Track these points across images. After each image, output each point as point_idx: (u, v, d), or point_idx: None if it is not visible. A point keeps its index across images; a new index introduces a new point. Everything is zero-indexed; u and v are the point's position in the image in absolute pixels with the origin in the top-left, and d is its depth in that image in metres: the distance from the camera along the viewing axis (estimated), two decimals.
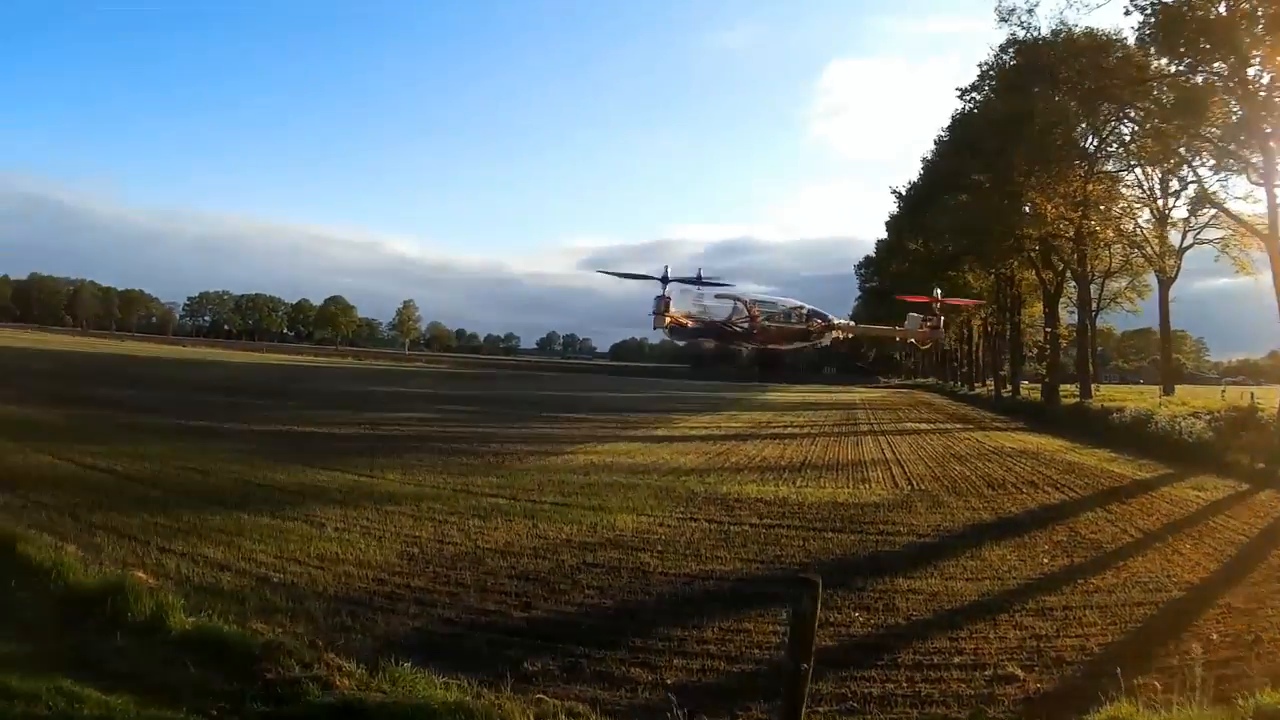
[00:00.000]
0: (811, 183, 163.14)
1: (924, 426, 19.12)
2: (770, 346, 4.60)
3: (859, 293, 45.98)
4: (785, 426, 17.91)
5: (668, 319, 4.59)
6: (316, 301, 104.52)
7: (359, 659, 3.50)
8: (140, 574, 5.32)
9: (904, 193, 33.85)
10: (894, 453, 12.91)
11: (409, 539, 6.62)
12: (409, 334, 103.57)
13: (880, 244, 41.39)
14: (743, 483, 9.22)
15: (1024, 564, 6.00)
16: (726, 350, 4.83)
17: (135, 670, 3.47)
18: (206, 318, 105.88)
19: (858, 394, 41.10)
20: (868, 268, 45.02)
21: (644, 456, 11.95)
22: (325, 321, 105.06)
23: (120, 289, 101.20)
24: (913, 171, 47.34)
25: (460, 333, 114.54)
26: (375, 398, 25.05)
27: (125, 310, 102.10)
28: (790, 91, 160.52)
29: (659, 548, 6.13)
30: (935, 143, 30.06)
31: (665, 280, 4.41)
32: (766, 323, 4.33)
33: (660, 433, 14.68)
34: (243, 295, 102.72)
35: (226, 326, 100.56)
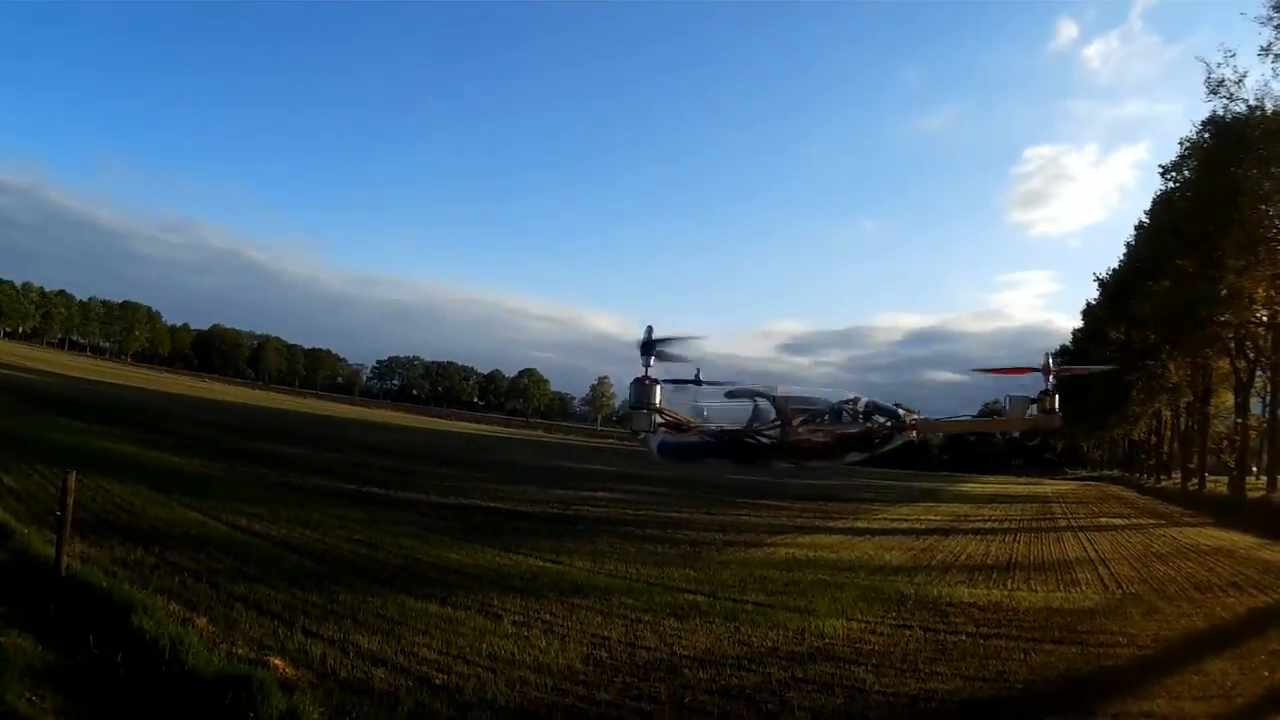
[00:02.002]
0: (1008, 270, 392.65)
1: (1118, 522, 45.06)
2: (813, 462, 7.76)
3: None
4: (985, 520, 41.50)
5: (659, 420, 7.62)
6: (510, 373, 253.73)
7: None
8: (278, 661, 9.60)
9: (1104, 280, 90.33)
10: (1096, 551, 29.68)
11: (596, 640, 12.31)
12: (602, 409, 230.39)
13: (1077, 332, 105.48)
14: (952, 583, 20.25)
15: (1246, 678, 13.42)
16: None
17: None
18: (395, 381, 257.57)
19: (1048, 486, 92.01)
20: (1064, 356, 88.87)
21: (847, 552, 24.96)
22: (517, 393, 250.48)
23: (307, 347, 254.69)
24: (1112, 258, 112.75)
25: None
26: (565, 473, 51.22)
27: (311, 368, 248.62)
28: (986, 178, 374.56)
29: (873, 661, 12.51)
30: (1136, 228, 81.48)
31: (650, 349, 7.22)
32: (808, 429, 7.05)
33: (860, 524, 30.14)
34: (434, 361, 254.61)
35: (415, 391, 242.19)
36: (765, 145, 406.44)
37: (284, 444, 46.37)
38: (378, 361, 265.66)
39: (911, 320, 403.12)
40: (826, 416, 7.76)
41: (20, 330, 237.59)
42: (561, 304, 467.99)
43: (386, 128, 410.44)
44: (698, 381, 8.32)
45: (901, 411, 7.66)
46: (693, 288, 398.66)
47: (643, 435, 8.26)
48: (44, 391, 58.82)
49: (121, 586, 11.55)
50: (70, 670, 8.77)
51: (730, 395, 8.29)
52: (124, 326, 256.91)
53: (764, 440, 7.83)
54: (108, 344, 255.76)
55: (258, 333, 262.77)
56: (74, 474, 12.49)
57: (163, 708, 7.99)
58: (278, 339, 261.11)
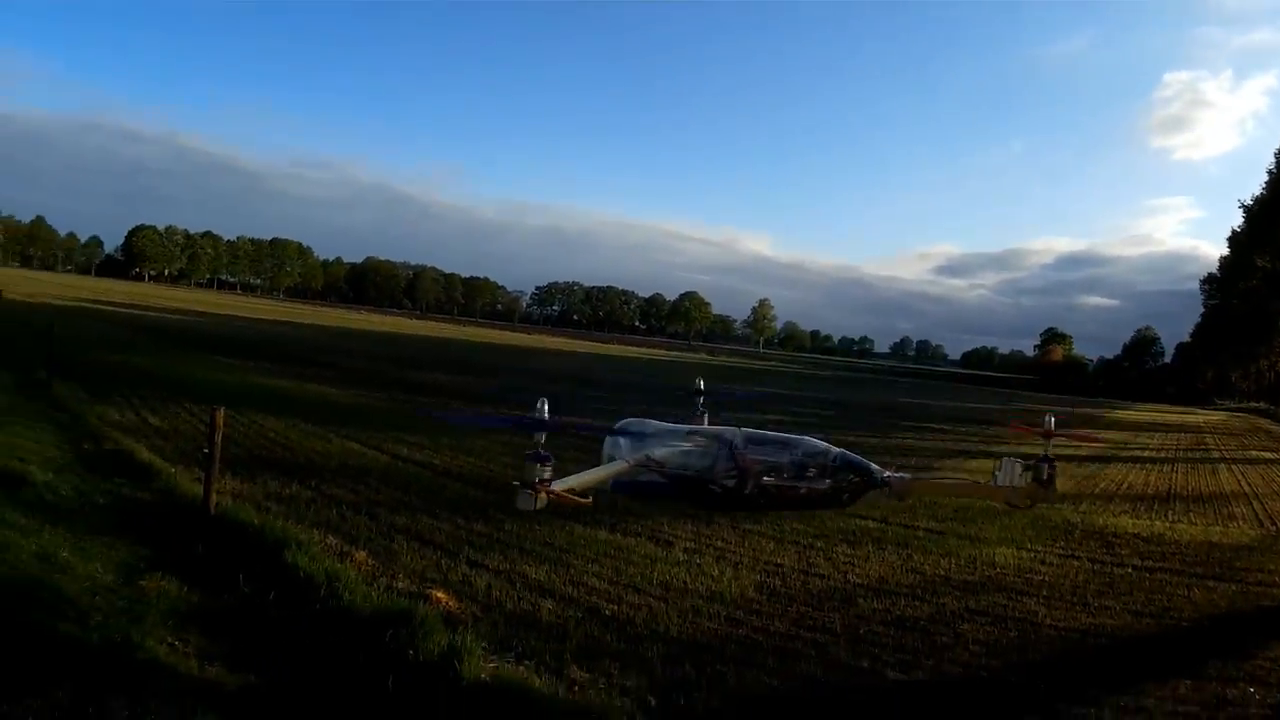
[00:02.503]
0: (1153, 195, 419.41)
1: (1268, 455, 46.76)
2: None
3: (1202, 309, 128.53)
4: (1142, 449, 44.29)
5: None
6: (670, 296, 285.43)
7: None
8: (440, 594, 9.84)
9: (1249, 206, 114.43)
10: (1249, 485, 30.91)
11: (769, 567, 12.83)
12: (764, 332, 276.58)
13: (1223, 260, 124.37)
14: (1116, 513, 21.47)
15: None
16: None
17: None
18: (555, 307, 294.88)
19: (1199, 416, 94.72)
20: (1212, 284, 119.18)
21: None
22: (678, 316, 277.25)
23: (464, 275, 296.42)
24: (1253, 185, 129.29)
25: (815, 333, 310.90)
26: (723, 396, 47.94)
27: (469, 296, 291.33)
28: (1128, 102, 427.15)
29: (1044, 592, 13.24)
30: (1277, 154, 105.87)
31: (532, 427, 7.17)
32: (769, 479, 7.29)
33: (1024, 449, 23.39)
34: (593, 286, 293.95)
35: (576, 316, 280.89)
36: (911, 75, 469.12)
37: (444, 372, 50.10)
38: (537, 288, 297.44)
39: (1062, 244, 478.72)
40: (789, 469, 7.82)
41: (166, 273, 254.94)
42: (718, 227, 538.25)
43: (532, 56, 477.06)
44: (700, 393, 9.98)
45: (874, 469, 7.63)
46: (848, 212, 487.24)
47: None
48: (192, 331, 62.42)
49: (274, 523, 11.77)
50: (217, 612, 8.80)
51: (693, 434, 8.70)
52: (274, 263, 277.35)
53: (724, 486, 8.01)
54: (259, 281, 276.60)
55: (412, 263, 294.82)
56: (222, 410, 12.60)
57: (316, 647, 8.04)
58: (434, 268, 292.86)
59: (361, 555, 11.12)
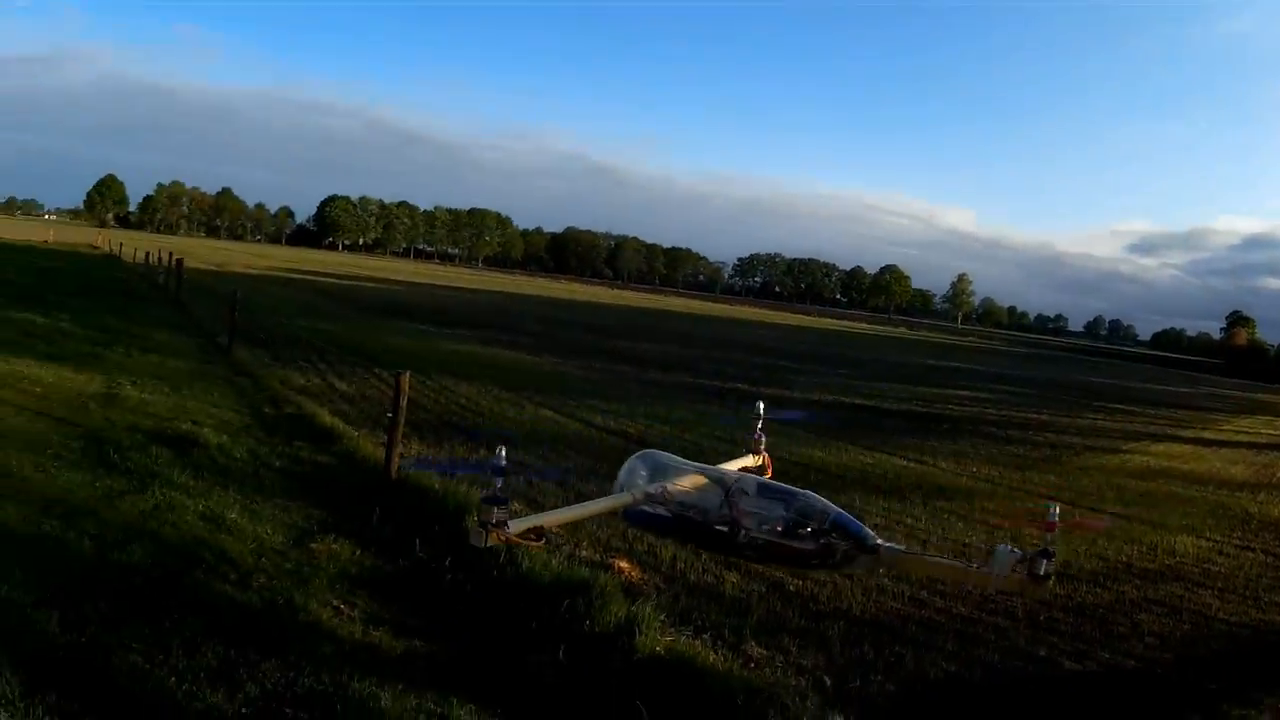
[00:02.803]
0: None
1: None
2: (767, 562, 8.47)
3: None
4: None
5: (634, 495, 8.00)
6: (871, 269, 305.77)
7: (871, 717, 7.25)
8: (623, 563, 10.02)
9: None
10: None
11: (957, 547, 12.68)
12: (962, 307, 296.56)
13: None
14: None
15: None
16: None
17: (568, 700, 6.87)
18: (757, 278, 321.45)
19: None
20: None
21: (1197, 463, 26.78)
22: (879, 290, 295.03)
23: (665, 246, 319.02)
24: None
25: (1011, 310, 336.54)
26: (927, 371, 57.26)
27: (670, 267, 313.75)
28: None
29: (1218, 584, 13.03)
30: None
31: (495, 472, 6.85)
32: (759, 532, 7.29)
33: (1208, 435, 33.80)
34: (795, 258, 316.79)
35: (777, 289, 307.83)
36: (1102, 53, 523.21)
37: (644, 341, 52.04)
38: (739, 259, 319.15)
39: (1248, 225, 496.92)
40: (780, 524, 7.54)
41: (361, 242, 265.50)
42: (918, 200, 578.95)
43: (730, 28, 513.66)
44: (760, 418, 10.00)
45: (867, 536, 7.29)
46: (1045, 186, 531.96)
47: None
48: (385, 298, 64.58)
49: (458, 488, 11.81)
50: (389, 577, 8.83)
51: (703, 474, 8.54)
52: (473, 233, 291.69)
53: (718, 531, 7.75)
54: (457, 251, 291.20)
55: (614, 233, 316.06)
56: (408, 374, 12.78)
57: (489, 615, 8.06)
58: (635, 238, 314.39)
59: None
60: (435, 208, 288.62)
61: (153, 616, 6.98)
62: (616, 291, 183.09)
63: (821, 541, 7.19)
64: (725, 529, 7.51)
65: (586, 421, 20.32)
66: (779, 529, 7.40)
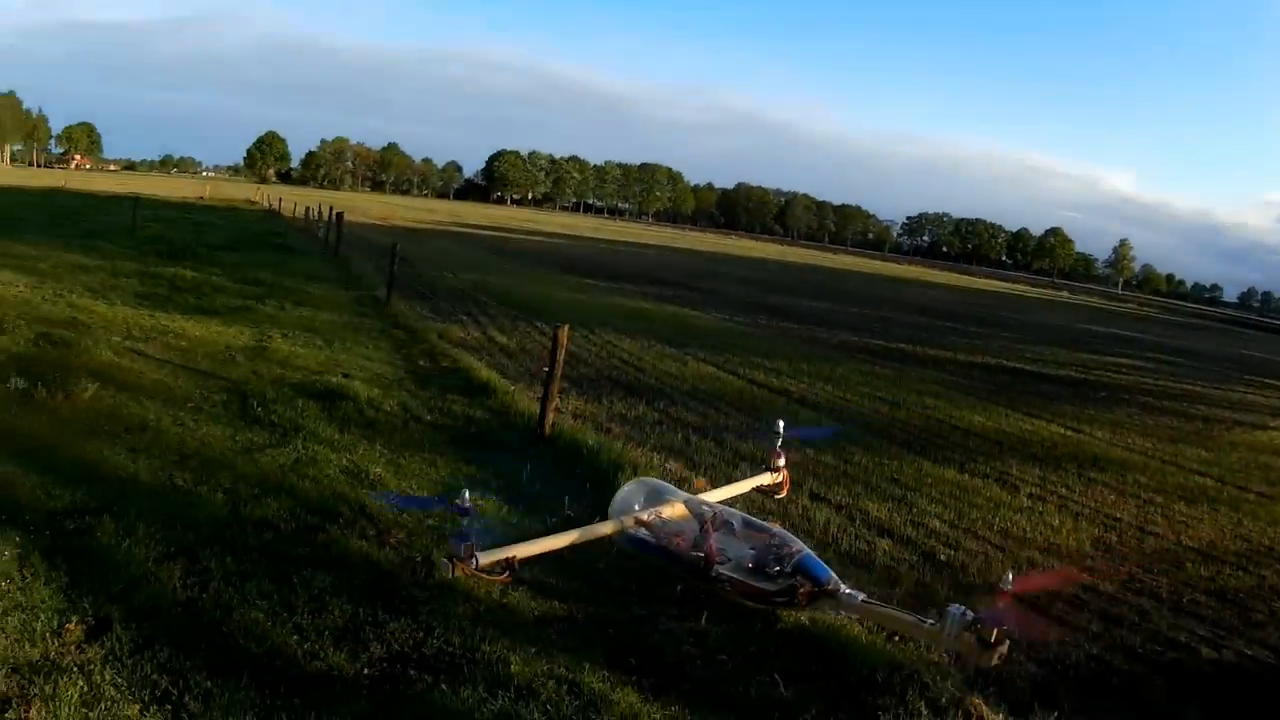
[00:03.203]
0: None
1: None
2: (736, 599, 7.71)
3: None
4: None
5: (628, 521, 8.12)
6: (1036, 232, 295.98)
7: (1011, 698, 7.19)
8: (776, 526, 9.48)
9: None
10: None
11: (1108, 521, 12.88)
12: (1123, 273, 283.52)
13: None
14: None
15: None
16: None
17: (705, 671, 6.81)
18: (925, 238, 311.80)
19: None
20: None
21: None
22: (1043, 253, 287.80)
23: (835, 204, 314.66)
24: None
25: (1169, 277, 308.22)
26: (1087, 336, 56.69)
27: (840, 224, 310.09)
28: None
29: None
30: None
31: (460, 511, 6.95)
32: (725, 568, 7.34)
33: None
34: (962, 219, 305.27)
35: (944, 249, 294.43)
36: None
37: (810, 299, 52.02)
38: (907, 217, 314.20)
39: None
40: (748, 563, 7.58)
41: (530, 197, 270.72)
42: (1081, 163, 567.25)
43: None
44: (779, 434, 9.60)
45: (828, 580, 7.16)
46: (1205, 154, 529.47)
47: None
48: (552, 252, 65.18)
49: (612, 444, 11.87)
50: (537, 535, 8.59)
51: (689, 504, 8.50)
52: (643, 188, 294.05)
53: (691, 560, 7.69)
54: (627, 206, 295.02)
55: (785, 190, 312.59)
56: (565, 328, 12.72)
57: (633, 578, 8.04)
58: (806, 195, 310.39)
59: (701, 482, 10.94)
60: (605, 162, 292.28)
61: (280, 573, 6.95)
62: (785, 248, 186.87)
63: (785, 582, 7.21)
64: (700, 561, 7.52)
65: (749, 379, 20.38)
66: (748, 565, 7.45)
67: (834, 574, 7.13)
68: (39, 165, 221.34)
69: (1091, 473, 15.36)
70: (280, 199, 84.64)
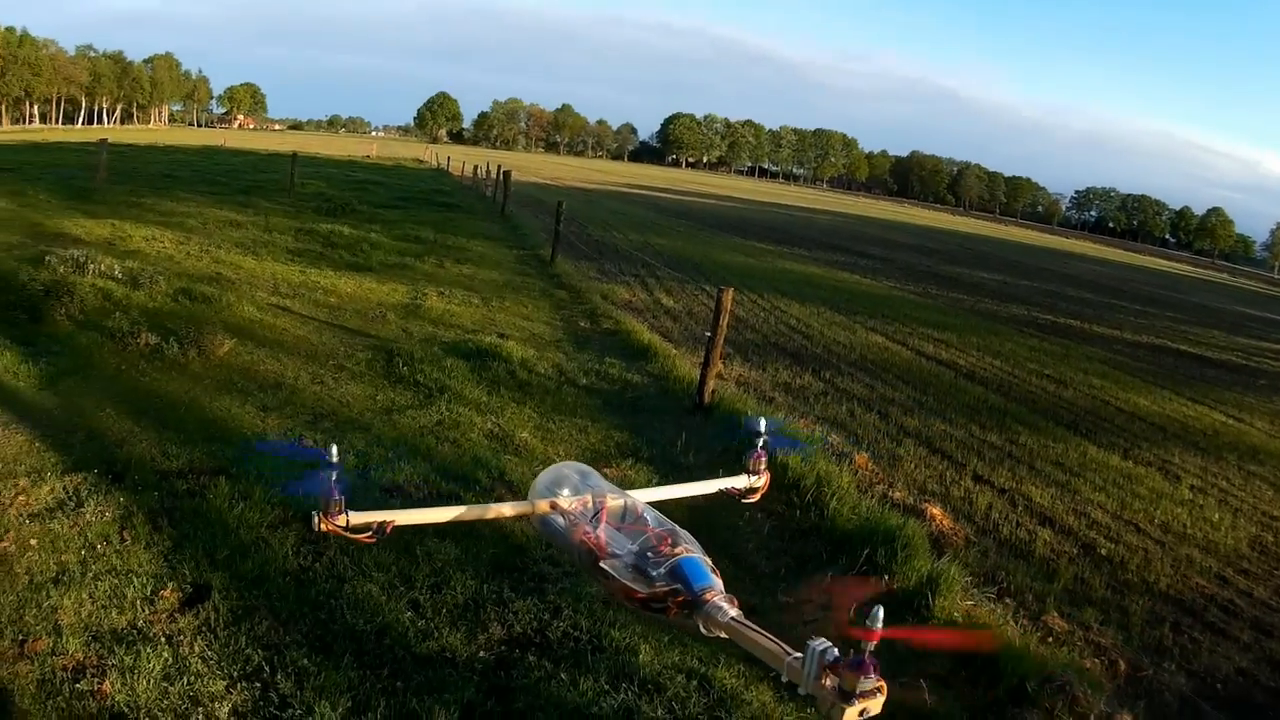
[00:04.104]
0: None
1: None
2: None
3: None
4: None
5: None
6: (1198, 211, 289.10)
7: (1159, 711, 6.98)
8: (935, 510, 9.73)
9: None
10: None
11: (1265, 520, 12.37)
12: (1279, 258, 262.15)
13: None
14: None
15: None
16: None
17: None
18: (1092, 212, 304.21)
19: None
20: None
21: None
22: (1204, 233, 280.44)
23: (1007, 175, 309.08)
24: None
25: None
26: (1247, 320, 54.22)
27: (1011, 196, 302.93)
28: None
29: None
30: None
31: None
32: (607, 563, 6.11)
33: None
34: (1129, 195, 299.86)
35: (1111, 224, 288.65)
36: None
37: (981, 270, 51.50)
38: (1076, 191, 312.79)
39: None
40: (630, 560, 6.17)
41: (704, 160, 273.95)
42: (1243, 143, 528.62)
43: None
44: (760, 434, 7.84)
45: (699, 589, 5.60)
46: None
47: None
48: (725, 215, 65.07)
49: (774, 415, 11.56)
50: (686, 510, 8.17)
51: (594, 494, 7.03)
52: (818, 154, 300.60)
53: (585, 553, 6.47)
54: (801, 171, 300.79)
55: (957, 159, 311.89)
56: (730, 291, 12.35)
57: (782, 561, 7.91)
58: (978, 166, 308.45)
59: (863, 458, 10.98)
60: (781, 127, 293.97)
61: (404, 543, 6.67)
62: (957, 218, 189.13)
63: (662, 587, 6.36)
64: (590, 554, 6.76)
65: (917, 350, 20.13)
66: (629, 563, 6.62)
67: (716, 582, 6.48)
68: (199, 125, 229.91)
69: (1251, 465, 14.96)
70: (449, 158, 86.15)
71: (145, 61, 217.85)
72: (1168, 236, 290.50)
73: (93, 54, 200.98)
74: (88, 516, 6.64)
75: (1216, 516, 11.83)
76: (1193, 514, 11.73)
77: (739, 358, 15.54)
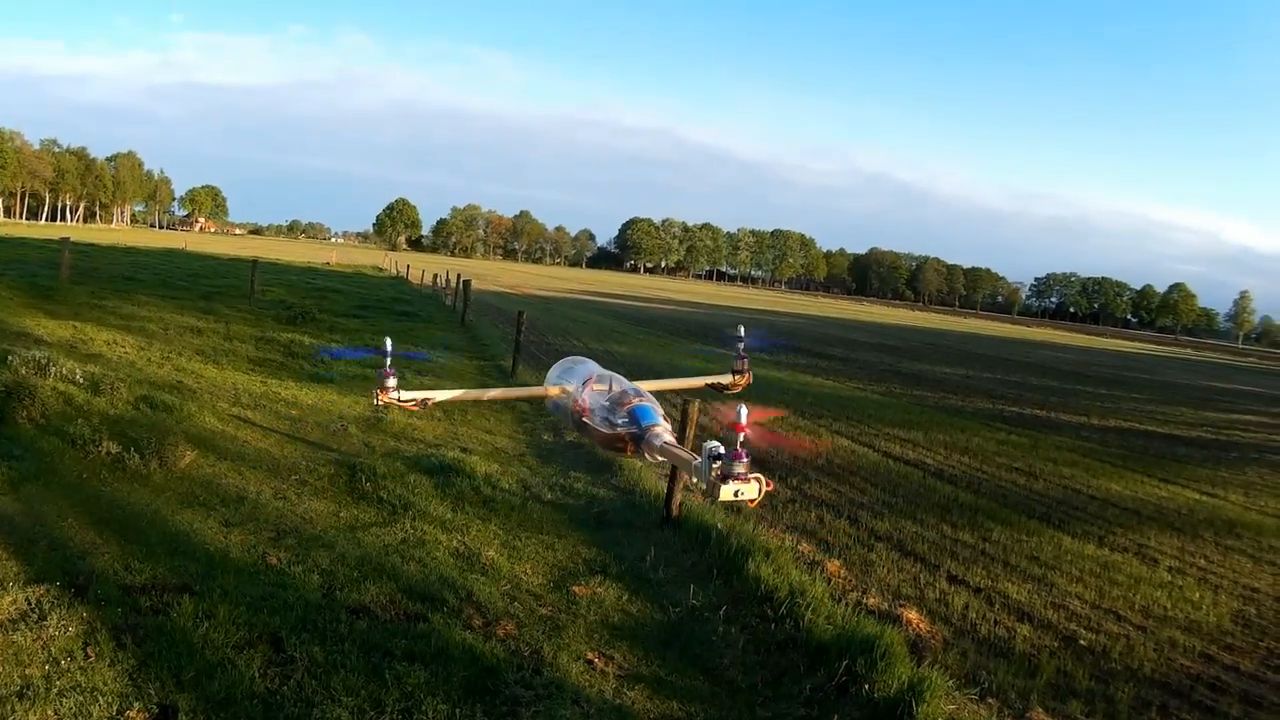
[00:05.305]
0: None
1: None
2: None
3: None
4: None
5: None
6: (1160, 288, 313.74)
7: None
8: (912, 614, 9.81)
9: None
10: None
11: (1246, 592, 13.00)
12: (1244, 326, 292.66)
13: None
14: None
15: None
16: None
17: None
18: (1053, 299, 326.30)
19: None
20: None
21: None
22: (1166, 309, 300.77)
23: (965, 266, 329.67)
24: None
25: None
26: (1213, 393, 57.39)
27: (970, 287, 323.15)
28: None
29: None
30: None
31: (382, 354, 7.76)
32: (589, 419, 7.69)
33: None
34: (1089, 278, 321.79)
35: (1071, 309, 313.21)
36: None
37: (943, 365, 52.37)
38: (1035, 279, 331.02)
39: None
40: (603, 410, 7.74)
41: (663, 265, 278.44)
42: (1203, 214, 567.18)
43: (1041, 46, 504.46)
44: (740, 338, 9.80)
45: (646, 424, 7.15)
46: None
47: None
48: (684, 321, 65.91)
49: (742, 526, 11.62)
50: (656, 626, 8.50)
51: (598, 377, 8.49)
52: (776, 254, 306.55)
53: (578, 420, 8.08)
54: (759, 273, 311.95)
55: (916, 254, 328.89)
56: (696, 403, 12.57)
57: (759, 675, 7.79)
58: (936, 259, 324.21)
59: (835, 565, 11.17)
60: (739, 229, 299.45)
61: (373, 665, 6.66)
62: (917, 313, 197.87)
63: (619, 429, 7.32)
64: (578, 414, 7.85)
65: (884, 451, 20.24)
66: (602, 416, 7.59)
67: (660, 420, 7.00)
68: (161, 226, 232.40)
69: (1228, 540, 15.58)
70: (408, 266, 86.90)
71: (109, 159, 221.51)
72: (1129, 317, 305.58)
73: (57, 149, 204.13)
74: (51, 630, 6.57)
75: (1197, 595, 12.23)
76: (1173, 595, 12.07)
77: None
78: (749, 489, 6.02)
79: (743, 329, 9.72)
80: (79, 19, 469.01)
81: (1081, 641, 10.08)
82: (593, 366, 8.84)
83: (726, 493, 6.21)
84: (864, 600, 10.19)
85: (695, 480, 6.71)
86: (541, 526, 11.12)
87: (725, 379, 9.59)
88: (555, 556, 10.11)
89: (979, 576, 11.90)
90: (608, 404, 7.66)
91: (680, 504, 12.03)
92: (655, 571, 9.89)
